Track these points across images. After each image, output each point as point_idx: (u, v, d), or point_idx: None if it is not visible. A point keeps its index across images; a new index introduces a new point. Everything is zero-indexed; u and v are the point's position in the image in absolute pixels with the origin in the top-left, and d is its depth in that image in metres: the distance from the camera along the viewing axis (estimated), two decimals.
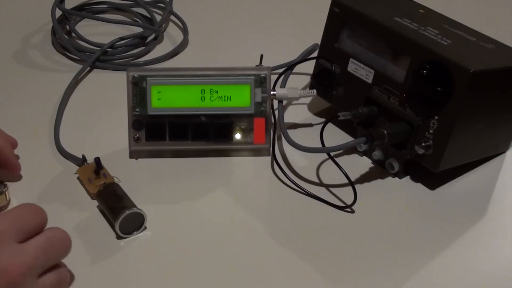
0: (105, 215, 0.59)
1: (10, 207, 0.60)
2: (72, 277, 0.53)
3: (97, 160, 0.62)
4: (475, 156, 0.65)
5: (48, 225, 0.58)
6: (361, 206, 0.61)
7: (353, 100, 0.66)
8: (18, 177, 0.63)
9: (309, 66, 0.72)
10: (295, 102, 0.72)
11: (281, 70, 0.73)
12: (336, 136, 0.69)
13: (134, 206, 0.58)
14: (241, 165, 0.67)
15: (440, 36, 0.63)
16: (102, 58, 0.81)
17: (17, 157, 0.64)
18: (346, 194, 0.62)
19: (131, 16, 0.91)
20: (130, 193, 0.60)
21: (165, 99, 0.64)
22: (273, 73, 0.69)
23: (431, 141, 0.61)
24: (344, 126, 0.70)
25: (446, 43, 0.62)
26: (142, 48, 0.84)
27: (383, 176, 0.65)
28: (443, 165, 0.61)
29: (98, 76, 0.80)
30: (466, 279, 0.55)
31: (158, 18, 0.89)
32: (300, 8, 0.95)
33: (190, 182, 0.64)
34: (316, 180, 0.65)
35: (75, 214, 0.60)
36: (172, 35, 0.88)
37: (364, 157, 0.68)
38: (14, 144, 0.64)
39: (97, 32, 0.86)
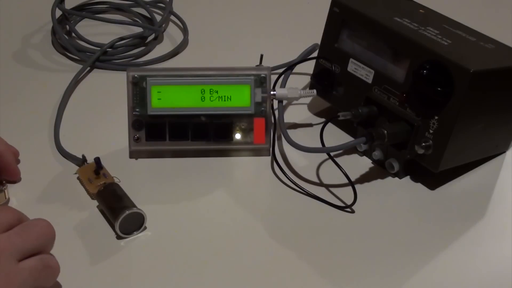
0: (105, 215, 0.59)
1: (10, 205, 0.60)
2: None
3: (97, 160, 0.62)
4: (475, 156, 0.65)
5: None
6: (361, 206, 0.61)
7: (353, 100, 0.66)
8: (17, 179, 0.63)
9: (309, 66, 0.72)
10: (295, 102, 0.72)
11: (281, 70, 0.73)
12: (336, 136, 0.69)
13: (134, 206, 0.58)
14: (241, 165, 0.67)
15: (440, 36, 0.63)
16: (102, 58, 0.81)
17: (18, 161, 0.64)
18: (346, 194, 0.62)
19: (131, 16, 0.91)
20: (130, 193, 0.60)
21: (165, 99, 0.64)
22: (273, 73, 0.69)
23: (431, 141, 0.61)
24: (344, 126, 0.70)
25: (446, 43, 0.62)
26: (142, 48, 0.84)
27: (383, 176, 0.65)
28: (443, 165, 0.61)
29: (98, 76, 0.80)
30: (466, 279, 0.55)
31: (158, 18, 0.89)
32: (300, 8, 0.95)
33: (190, 182, 0.64)
34: (316, 180, 0.65)
35: (75, 214, 0.60)
36: (172, 35, 0.88)
37: (364, 157, 0.68)
38: (15, 154, 0.64)
39: (97, 32, 0.86)
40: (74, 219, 0.59)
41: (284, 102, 0.70)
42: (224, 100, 0.65)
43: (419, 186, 0.64)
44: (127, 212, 0.57)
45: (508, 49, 0.66)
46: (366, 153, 0.67)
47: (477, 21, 0.72)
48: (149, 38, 0.86)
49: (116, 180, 0.62)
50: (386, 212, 0.61)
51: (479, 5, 0.96)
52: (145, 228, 0.58)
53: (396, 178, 0.65)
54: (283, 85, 0.71)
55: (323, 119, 0.73)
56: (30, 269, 0.48)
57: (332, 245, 0.58)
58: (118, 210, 0.57)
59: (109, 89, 0.77)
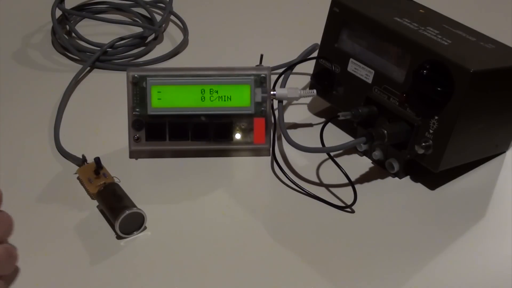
0: (105, 215, 0.59)
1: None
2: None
3: (97, 160, 0.62)
4: (475, 156, 0.65)
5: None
6: (361, 206, 0.61)
7: (353, 100, 0.66)
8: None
9: (309, 66, 0.72)
10: (295, 102, 0.72)
11: (281, 70, 0.73)
12: (336, 136, 0.69)
13: (134, 206, 0.58)
14: (241, 165, 0.67)
15: (440, 36, 0.63)
16: (102, 58, 0.81)
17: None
18: (346, 194, 0.62)
19: (131, 16, 0.91)
20: (130, 193, 0.60)
21: (165, 99, 0.64)
22: (273, 73, 0.69)
23: (431, 141, 0.61)
24: (344, 126, 0.70)
25: (446, 43, 0.62)
26: (142, 48, 0.84)
27: (383, 176, 0.65)
28: (443, 165, 0.61)
29: (98, 76, 0.80)
30: (466, 279, 0.55)
31: (158, 18, 0.89)
32: (300, 8, 0.95)
33: (190, 182, 0.64)
34: (316, 180, 0.65)
35: (75, 214, 0.60)
36: (172, 35, 0.88)
37: (364, 157, 0.68)
38: None
39: (97, 32, 0.86)
40: (74, 219, 0.59)
41: (284, 102, 0.70)
42: (224, 100, 0.65)
43: (419, 186, 0.64)
44: (127, 212, 0.57)
45: (508, 49, 0.66)
46: (366, 153, 0.67)
47: (477, 21, 0.72)
48: (149, 38, 0.86)
49: (116, 180, 0.62)
50: (386, 212, 0.61)
51: (479, 5, 0.96)
52: (145, 228, 0.58)
53: (396, 178, 0.65)
54: (283, 85, 0.71)
55: (323, 119, 0.73)
56: None
57: (332, 245, 0.58)
58: (118, 210, 0.57)
59: (109, 89, 0.77)
